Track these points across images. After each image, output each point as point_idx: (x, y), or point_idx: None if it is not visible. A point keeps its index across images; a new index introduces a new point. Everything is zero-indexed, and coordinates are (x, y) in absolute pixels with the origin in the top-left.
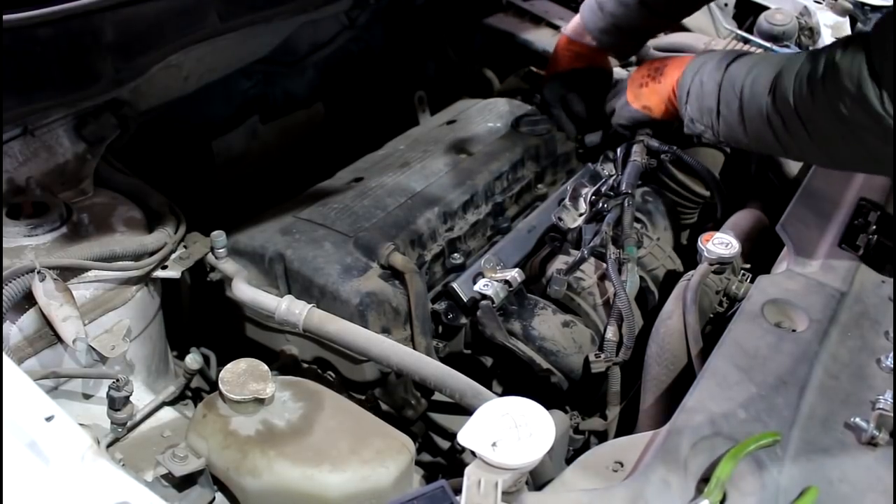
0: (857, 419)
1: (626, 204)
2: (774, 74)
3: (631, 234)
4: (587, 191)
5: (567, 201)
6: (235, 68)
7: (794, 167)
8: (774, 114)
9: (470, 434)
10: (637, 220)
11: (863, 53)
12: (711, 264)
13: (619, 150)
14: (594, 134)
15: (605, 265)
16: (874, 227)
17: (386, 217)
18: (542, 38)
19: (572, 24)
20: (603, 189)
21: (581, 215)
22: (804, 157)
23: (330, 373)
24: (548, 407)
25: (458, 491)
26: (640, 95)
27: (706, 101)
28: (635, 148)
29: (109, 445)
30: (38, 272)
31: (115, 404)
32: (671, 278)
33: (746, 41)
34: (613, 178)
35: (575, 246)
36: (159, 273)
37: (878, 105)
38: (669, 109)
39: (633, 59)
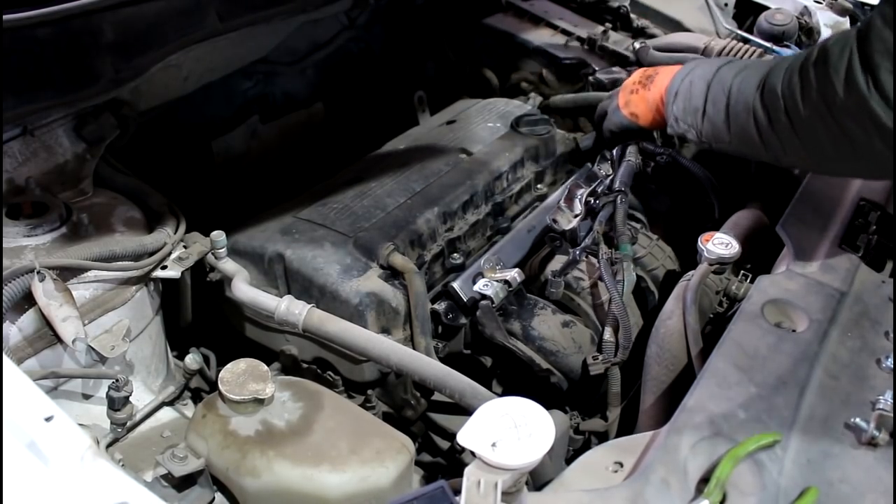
0: (858, 419)
1: (618, 201)
2: (766, 72)
3: (625, 231)
4: (582, 192)
5: (562, 203)
6: (235, 68)
7: None
8: (760, 108)
9: (470, 434)
10: (636, 219)
11: (854, 38)
12: (711, 264)
13: (615, 150)
14: (588, 137)
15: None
16: (874, 227)
17: (386, 217)
18: (542, 39)
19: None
20: (599, 189)
21: (576, 216)
22: (785, 155)
23: (330, 373)
24: (548, 407)
25: (457, 491)
26: (630, 102)
27: (693, 101)
28: (630, 149)
29: (109, 446)
30: (38, 272)
31: (115, 404)
32: (671, 278)
33: (746, 41)
34: (610, 178)
35: (575, 246)
36: (159, 273)
37: (864, 87)
38: (656, 118)
39: (633, 57)
